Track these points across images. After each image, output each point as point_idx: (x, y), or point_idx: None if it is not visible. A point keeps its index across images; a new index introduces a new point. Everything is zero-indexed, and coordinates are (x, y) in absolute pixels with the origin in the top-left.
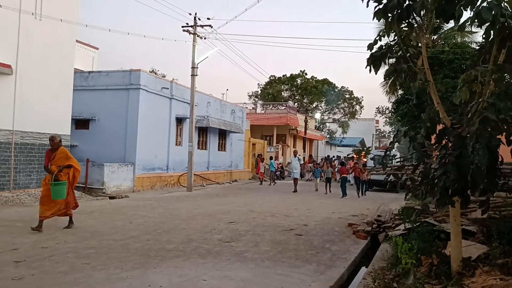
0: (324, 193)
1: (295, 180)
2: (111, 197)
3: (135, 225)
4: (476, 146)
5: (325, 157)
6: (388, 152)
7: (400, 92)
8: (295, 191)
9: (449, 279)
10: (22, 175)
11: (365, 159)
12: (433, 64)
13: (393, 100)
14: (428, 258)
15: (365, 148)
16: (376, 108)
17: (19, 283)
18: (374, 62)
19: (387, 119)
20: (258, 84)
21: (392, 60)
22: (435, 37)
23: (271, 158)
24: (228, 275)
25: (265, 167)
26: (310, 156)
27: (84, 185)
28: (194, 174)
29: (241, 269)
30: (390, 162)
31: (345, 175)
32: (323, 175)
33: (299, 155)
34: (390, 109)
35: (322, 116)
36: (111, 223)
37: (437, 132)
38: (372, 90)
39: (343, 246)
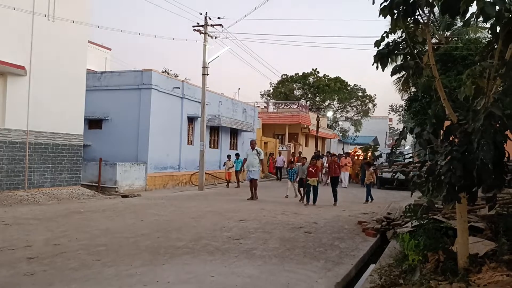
0: (299, 199)
1: (253, 182)
2: (124, 196)
3: (146, 223)
4: (481, 142)
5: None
6: (394, 149)
7: (413, 89)
8: (252, 198)
9: (455, 276)
10: (37, 175)
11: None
12: (447, 61)
13: (405, 98)
14: (435, 255)
15: (372, 145)
16: (390, 106)
17: (31, 279)
18: (381, 59)
19: (401, 117)
20: (270, 83)
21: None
22: (448, 33)
23: (237, 155)
24: (235, 271)
25: (227, 165)
26: (294, 154)
27: (97, 184)
28: (206, 173)
29: (248, 266)
30: (402, 159)
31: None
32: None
33: (258, 147)
34: (403, 107)
35: (335, 115)
36: (123, 221)
37: (444, 129)
38: (386, 88)
39: (352, 243)
